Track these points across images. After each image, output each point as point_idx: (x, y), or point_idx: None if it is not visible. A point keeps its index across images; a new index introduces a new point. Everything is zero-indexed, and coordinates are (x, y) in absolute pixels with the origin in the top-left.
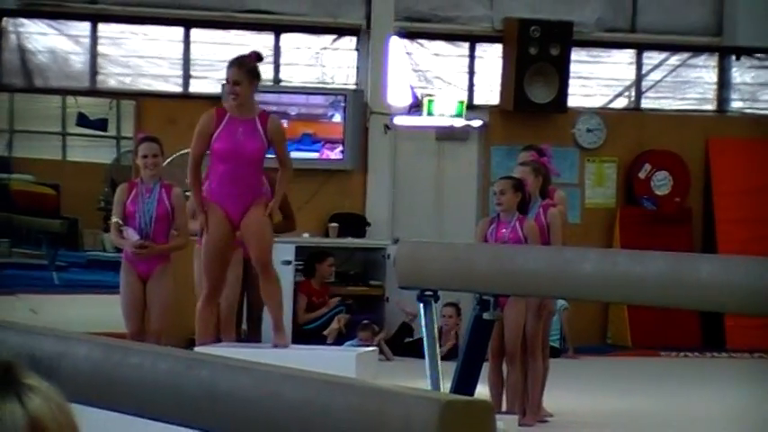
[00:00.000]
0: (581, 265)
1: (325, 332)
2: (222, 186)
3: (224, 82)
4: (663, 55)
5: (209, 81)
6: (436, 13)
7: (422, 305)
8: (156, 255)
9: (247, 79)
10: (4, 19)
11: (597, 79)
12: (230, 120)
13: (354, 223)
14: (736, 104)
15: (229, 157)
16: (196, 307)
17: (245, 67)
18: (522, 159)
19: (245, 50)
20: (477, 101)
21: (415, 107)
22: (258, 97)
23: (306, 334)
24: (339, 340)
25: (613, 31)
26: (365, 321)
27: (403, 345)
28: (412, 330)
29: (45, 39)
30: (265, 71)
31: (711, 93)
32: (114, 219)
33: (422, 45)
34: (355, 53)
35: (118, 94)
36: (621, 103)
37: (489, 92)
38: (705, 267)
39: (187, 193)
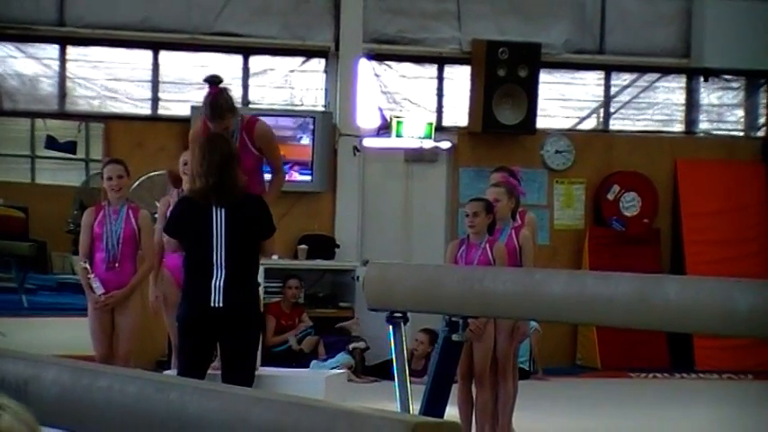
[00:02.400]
0: (551, 287)
1: (295, 347)
2: None
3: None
4: (631, 76)
5: (178, 104)
6: (404, 35)
7: (391, 327)
8: (124, 280)
9: (229, 118)
10: None
11: (565, 101)
12: None
13: (323, 245)
14: (703, 125)
15: None
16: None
17: (217, 113)
18: (495, 180)
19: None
20: (445, 122)
21: (384, 129)
22: None
23: (275, 357)
24: (307, 360)
25: (581, 52)
26: (354, 345)
27: (371, 366)
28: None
29: (13, 62)
30: (234, 93)
31: (679, 114)
32: (82, 262)
33: (390, 67)
34: (324, 75)
35: (86, 117)
36: (590, 124)
37: (458, 113)
38: (673, 288)
39: (154, 215)
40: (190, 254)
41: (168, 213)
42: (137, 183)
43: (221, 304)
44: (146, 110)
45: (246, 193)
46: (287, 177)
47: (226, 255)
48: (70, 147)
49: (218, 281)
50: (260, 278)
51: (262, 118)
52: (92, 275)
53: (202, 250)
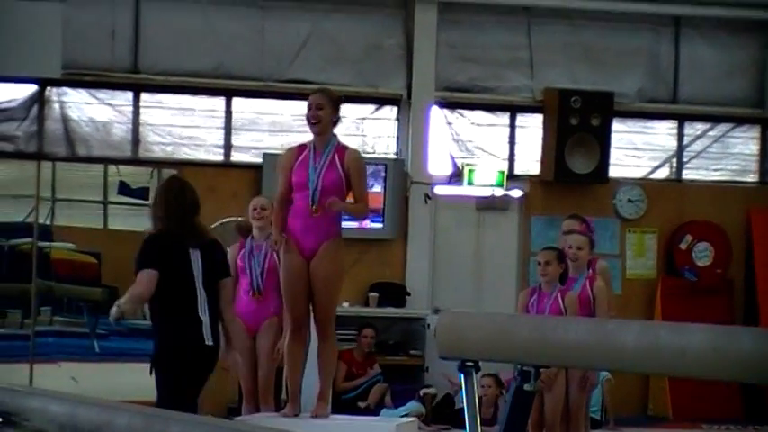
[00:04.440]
0: (623, 337)
1: (361, 404)
2: (296, 219)
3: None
4: (704, 126)
5: (250, 150)
6: (476, 84)
7: (462, 375)
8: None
9: (330, 106)
10: (48, 88)
11: (638, 150)
12: (309, 153)
13: (394, 293)
14: None
15: (304, 188)
16: (283, 346)
17: (330, 95)
18: (569, 227)
19: (287, 120)
20: (517, 171)
21: (456, 177)
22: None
23: (343, 405)
24: (377, 409)
25: (655, 101)
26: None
27: (445, 414)
28: (453, 402)
29: (87, 108)
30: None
31: (753, 164)
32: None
33: (462, 115)
34: (396, 123)
35: (159, 163)
36: (663, 173)
37: (530, 162)
38: (747, 340)
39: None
40: (172, 290)
41: (146, 251)
42: (218, 223)
43: (211, 342)
44: (218, 156)
45: (210, 237)
46: (362, 223)
47: (206, 294)
48: (142, 193)
49: (205, 318)
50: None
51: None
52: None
53: (187, 288)
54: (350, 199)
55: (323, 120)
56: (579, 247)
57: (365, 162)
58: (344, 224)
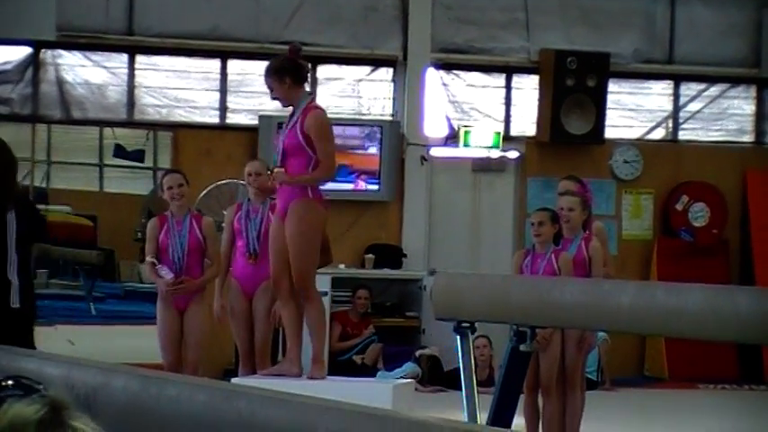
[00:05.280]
0: (619, 298)
1: (356, 358)
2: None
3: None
4: (700, 86)
5: (246, 113)
6: (473, 45)
7: (458, 337)
8: (191, 290)
9: (276, 80)
10: (42, 51)
11: (634, 110)
12: (288, 119)
13: (390, 254)
14: None
15: (275, 151)
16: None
17: (271, 69)
18: (564, 188)
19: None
20: (513, 132)
21: (452, 138)
22: None
23: (338, 366)
24: (371, 371)
25: (650, 62)
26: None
27: (438, 376)
28: (441, 364)
29: (82, 70)
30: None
31: (749, 124)
32: (149, 257)
33: (458, 76)
34: (391, 84)
35: (154, 126)
36: (659, 134)
37: (526, 123)
38: (743, 300)
39: (221, 224)
40: None
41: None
42: (204, 191)
43: (17, 305)
44: (214, 119)
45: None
46: (358, 185)
47: (17, 257)
48: (138, 155)
49: (15, 281)
50: (327, 287)
51: (324, 113)
52: (159, 266)
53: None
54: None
55: (276, 91)
56: (571, 208)
57: (329, 122)
58: (341, 186)
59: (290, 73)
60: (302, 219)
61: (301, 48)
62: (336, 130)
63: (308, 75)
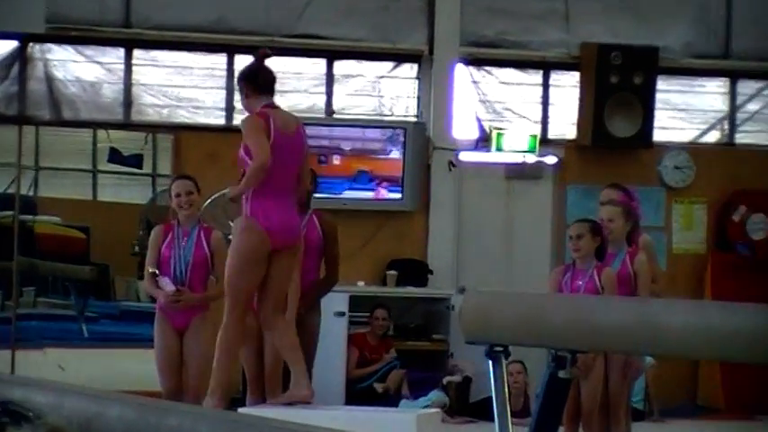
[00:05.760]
0: (669, 319)
1: (377, 386)
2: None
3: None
4: (759, 84)
5: None
6: (506, 38)
7: (490, 362)
8: (192, 305)
9: (238, 89)
10: (30, 45)
11: (685, 111)
12: None
13: (415, 271)
14: None
15: None
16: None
17: (237, 76)
18: (607, 198)
19: (295, 79)
20: (551, 135)
21: (483, 142)
22: (313, 131)
23: (357, 394)
24: (394, 399)
25: (704, 57)
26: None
27: (467, 405)
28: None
29: (74, 66)
30: (316, 101)
31: None
32: (149, 268)
33: (490, 73)
34: (416, 82)
35: (154, 128)
36: (713, 137)
37: (565, 125)
38: None
39: (229, 237)
40: None
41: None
42: (209, 200)
43: None
44: (219, 120)
45: None
46: (379, 194)
47: None
48: (136, 160)
49: None
50: (344, 306)
51: (250, 116)
52: (160, 277)
53: None
54: None
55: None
56: (611, 219)
57: (254, 121)
58: (360, 195)
59: (247, 81)
60: (235, 234)
61: (270, 53)
62: (355, 132)
63: (273, 82)
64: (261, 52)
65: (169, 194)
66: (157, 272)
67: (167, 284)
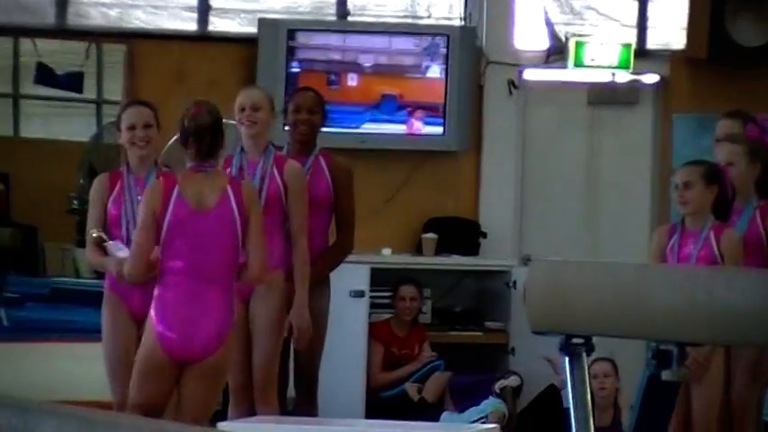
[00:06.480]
0: None
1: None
2: None
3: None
4: None
5: (237, 16)
6: None
7: (567, 359)
8: (153, 280)
9: None
10: None
11: None
12: None
13: (462, 233)
14: None
15: None
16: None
17: None
18: (726, 131)
19: None
20: (651, 45)
21: (557, 54)
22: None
23: (384, 405)
24: (433, 411)
25: None
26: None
27: (546, 416)
28: (559, 396)
29: None
30: (328, 1)
31: None
32: (93, 231)
33: None
34: None
35: (99, 36)
36: None
37: (671, 31)
38: None
39: None
40: None
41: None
42: (175, 137)
43: None
44: (189, 24)
45: None
46: (413, 127)
47: None
48: (74, 81)
49: None
50: (364, 284)
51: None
52: (111, 242)
53: None
54: None
55: None
56: (730, 161)
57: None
58: (386, 128)
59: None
60: None
61: None
62: (379, 41)
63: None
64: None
65: (118, 127)
66: (104, 236)
67: (119, 251)
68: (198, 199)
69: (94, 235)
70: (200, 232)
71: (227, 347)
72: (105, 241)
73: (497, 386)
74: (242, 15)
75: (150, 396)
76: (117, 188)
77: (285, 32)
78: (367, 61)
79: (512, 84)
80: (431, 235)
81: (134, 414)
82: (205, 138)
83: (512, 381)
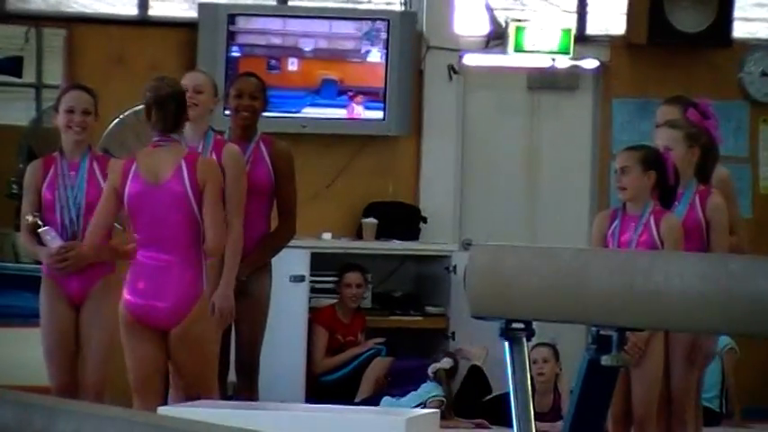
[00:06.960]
0: (755, 283)
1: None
2: None
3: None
4: None
5: (175, 2)
6: None
7: (507, 344)
8: (91, 266)
9: None
10: None
11: None
12: None
13: (402, 218)
14: None
15: None
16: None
17: None
18: (664, 116)
19: None
20: (591, 30)
21: (497, 39)
22: (260, 24)
23: (326, 389)
24: (377, 396)
25: None
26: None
27: (478, 404)
28: (485, 380)
29: None
30: None
31: None
32: (27, 216)
33: None
34: None
35: (37, 20)
36: None
37: (611, 16)
38: None
39: None
40: None
41: None
42: (116, 121)
43: None
44: (130, 9)
45: None
46: (353, 111)
47: None
48: (13, 65)
49: None
50: (304, 269)
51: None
52: (45, 228)
53: None
54: None
55: None
56: (667, 146)
57: None
58: (327, 112)
59: None
60: None
61: None
62: (319, 26)
63: None
64: None
65: (56, 109)
66: (39, 221)
67: (53, 239)
68: (153, 173)
69: (30, 220)
70: (156, 205)
71: (197, 317)
72: (40, 227)
73: (430, 369)
74: (180, 0)
75: (139, 360)
76: (51, 173)
77: (225, 17)
78: (307, 46)
79: (452, 69)
80: (371, 220)
81: (132, 383)
82: (168, 106)
83: (444, 363)
